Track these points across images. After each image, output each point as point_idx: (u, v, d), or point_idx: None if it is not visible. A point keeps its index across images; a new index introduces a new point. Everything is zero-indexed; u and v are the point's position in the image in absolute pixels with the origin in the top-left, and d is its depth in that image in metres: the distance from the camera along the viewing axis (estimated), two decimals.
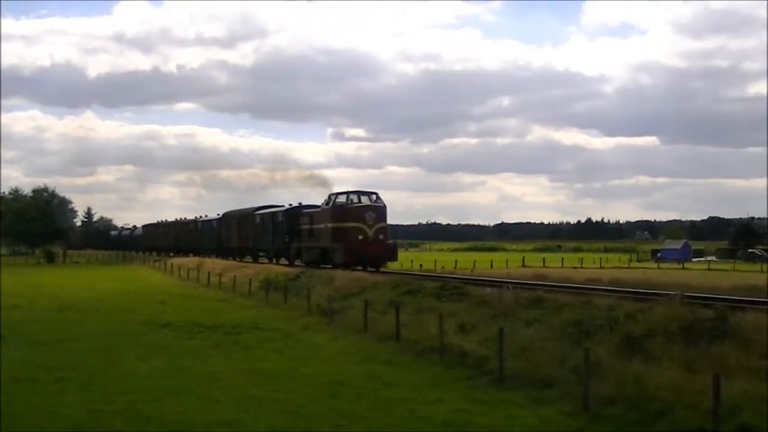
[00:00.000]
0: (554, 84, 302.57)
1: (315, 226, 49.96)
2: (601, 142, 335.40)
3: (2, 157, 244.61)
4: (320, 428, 12.92)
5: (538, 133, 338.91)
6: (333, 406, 14.69)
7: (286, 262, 56.02)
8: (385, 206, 47.16)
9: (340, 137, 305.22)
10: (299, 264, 51.77)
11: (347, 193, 47.93)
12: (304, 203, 56.92)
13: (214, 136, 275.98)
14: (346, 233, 45.27)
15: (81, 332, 25.37)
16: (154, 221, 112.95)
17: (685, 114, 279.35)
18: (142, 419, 13.52)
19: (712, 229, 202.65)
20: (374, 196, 47.41)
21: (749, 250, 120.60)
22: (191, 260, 70.98)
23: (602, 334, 18.24)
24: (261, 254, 64.00)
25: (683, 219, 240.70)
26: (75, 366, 18.79)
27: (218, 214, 77.77)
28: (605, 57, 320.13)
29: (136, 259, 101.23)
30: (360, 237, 44.78)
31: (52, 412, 13.90)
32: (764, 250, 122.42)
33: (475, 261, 76.43)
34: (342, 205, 46.75)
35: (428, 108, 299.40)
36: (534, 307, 22.93)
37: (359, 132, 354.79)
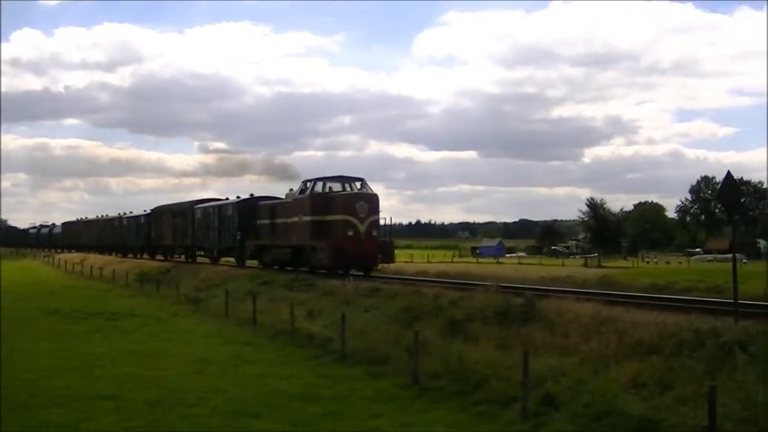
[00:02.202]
0: (389, 105, 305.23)
1: (281, 221, 36.99)
2: (428, 155, 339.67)
3: None
4: (187, 400, 12.89)
5: (375, 147, 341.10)
6: (199, 381, 14.73)
7: (236, 261, 44.02)
8: (377, 195, 33.94)
9: (204, 149, 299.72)
10: (254, 266, 40.04)
11: (325, 179, 34.92)
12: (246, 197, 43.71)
13: (96, 148, 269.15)
14: (331, 228, 32.69)
15: None
16: (74, 219, 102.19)
17: (499, 132, 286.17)
18: (38, 393, 13.38)
19: (522, 229, 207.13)
20: (359, 184, 34.35)
21: (552, 247, 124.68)
22: (76, 255, 69.98)
23: (429, 318, 18.43)
24: (202, 254, 49.81)
25: (498, 221, 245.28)
26: None
27: (145, 210, 63.43)
28: (432, 83, 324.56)
29: (27, 254, 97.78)
30: (350, 233, 32.05)
31: None
32: (565, 247, 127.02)
33: None
34: (325, 194, 34.10)
35: (282, 125, 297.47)
36: (372, 296, 23.14)
37: (222, 145, 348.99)
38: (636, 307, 17.34)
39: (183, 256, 53.75)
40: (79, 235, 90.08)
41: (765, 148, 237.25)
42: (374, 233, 32.77)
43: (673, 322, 14.08)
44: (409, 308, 19.86)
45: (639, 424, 10.17)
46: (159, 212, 59.24)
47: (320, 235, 32.73)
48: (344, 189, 33.95)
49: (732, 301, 16.19)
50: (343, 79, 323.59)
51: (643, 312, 16.27)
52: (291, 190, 37.90)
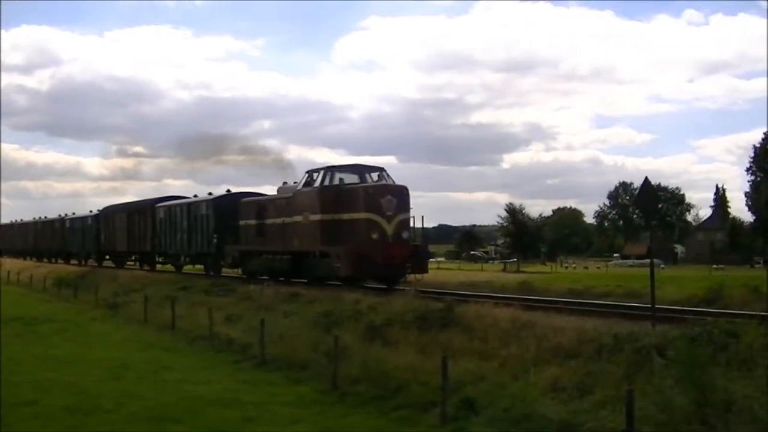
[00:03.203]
0: (309, 110, 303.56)
1: (276, 221, 30.64)
2: (348, 161, 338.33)
3: None
4: (105, 406, 12.81)
5: (294, 151, 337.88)
6: (117, 387, 14.62)
7: (205, 270, 38.26)
8: (406, 188, 27.70)
9: (123, 153, 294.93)
10: (234, 275, 34.27)
11: (334, 169, 28.78)
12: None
13: (13, 152, 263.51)
14: (349, 230, 26.67)
15: None
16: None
17: (419, 137, 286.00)
18: None
19: (442, 234, 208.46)
20: (376, 174, 28.09)
21: (471, 252, 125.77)
22: None
23: (349, 323, 18.50)
24: (163, 260, 43.70)
25: (417, 225, 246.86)
26: None
27: (91, 211, 57.05)
28: (353, 88, 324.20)
29: None
30: (374, 236, 25.95)
31: None
32: (484, 252, 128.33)
33: None
34: (339, 187, 27.72)
35: (201, 129, 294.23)
36: (291, 301, 23.27)
37: (140, 149, 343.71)
38: (555, 312, 17.69)
39: (138, 264, 48.74)
40: (14, 240, 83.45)
41: (682, 155, 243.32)
42: (404, 235, 26.81)
43: (592, 326, 14.41)
44: (329, 313, 19.94)
45: (558, 427, 10.34)
46: (111, 212, 52.18)
47: (334, 238, 26.95)
48: (362, 181, 27.78)
49: (650, 305, 16.61)
50: (263, 83, 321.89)
51: (562, 317, 16.63)
52: (285, 183, 32.43)
